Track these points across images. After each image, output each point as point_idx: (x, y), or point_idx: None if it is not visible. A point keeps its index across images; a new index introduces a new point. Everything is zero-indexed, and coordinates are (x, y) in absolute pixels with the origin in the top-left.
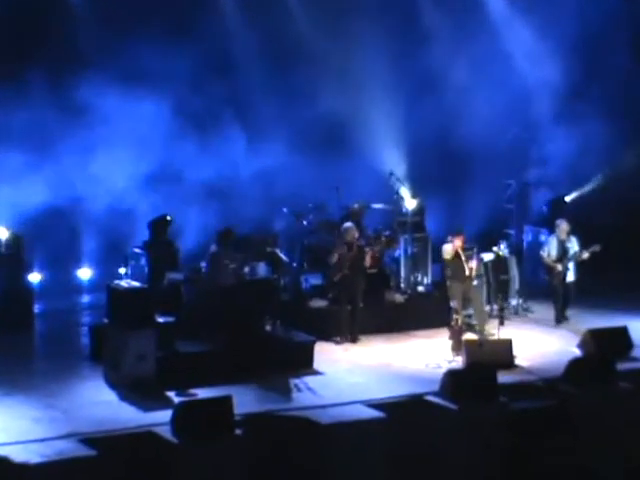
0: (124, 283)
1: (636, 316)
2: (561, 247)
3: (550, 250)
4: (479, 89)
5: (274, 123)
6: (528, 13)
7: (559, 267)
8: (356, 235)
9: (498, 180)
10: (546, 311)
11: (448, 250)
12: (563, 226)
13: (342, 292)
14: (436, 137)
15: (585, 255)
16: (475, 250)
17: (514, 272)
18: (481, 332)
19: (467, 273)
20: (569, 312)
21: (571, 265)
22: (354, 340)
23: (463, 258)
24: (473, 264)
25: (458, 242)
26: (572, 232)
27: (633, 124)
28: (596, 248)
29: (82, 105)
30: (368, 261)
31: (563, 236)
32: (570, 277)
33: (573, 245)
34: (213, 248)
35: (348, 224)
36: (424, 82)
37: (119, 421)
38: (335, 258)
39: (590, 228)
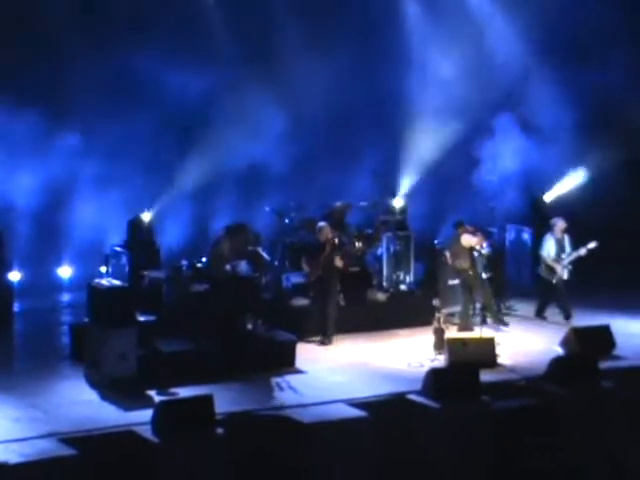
0: (105, 282)
1: (619, 315)
2: (559, 246)
3: (549, 249)
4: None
5: None
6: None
7: (559, 268)
8: (330, 234)
9: (480, 178)
10: (528, 310)
11: (471, 238)
12: (560, 224)
13: (318, 292)
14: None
15: (583, 252)
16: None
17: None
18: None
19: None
20: (548, 311)
21: (567, 263)
22: (324, 341)
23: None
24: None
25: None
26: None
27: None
28: (593, 244)
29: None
30: (338, 262)
31: (559, 235)
32: (565, 275)
33: (567, 243)
34: (220, 235)
35: (322, 223)
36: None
37: (100, 420)
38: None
39: (574, 227)
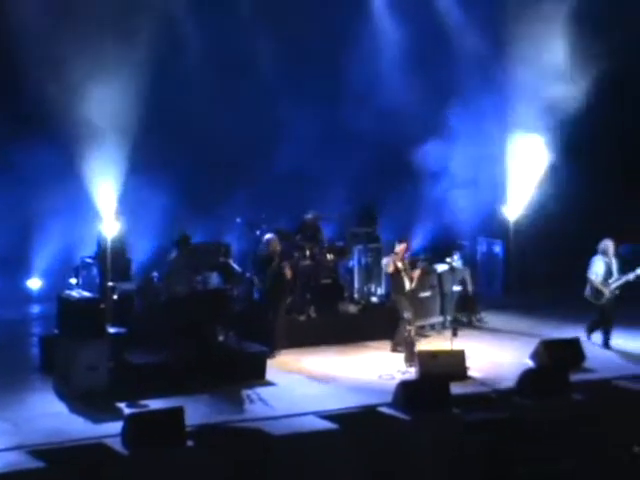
0: (75, 293)
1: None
2: (607, 268)
3: (597, 271)
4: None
5: None
6: None
7: (607, 291)
8: (278, 248)
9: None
10: (499, 322)
11: (387, 264)
12: (610, 246)
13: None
14: (386, 144)
15: (631, 277)
16: (421, 260)
17: (468, 284)
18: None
19: (407, 286)
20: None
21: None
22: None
23: (403, 270)
24: (415, 274)
25: (397, 254)
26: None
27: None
28: None
29: None
30: (289, 274)
31: (610, 257)
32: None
33: (615, 267)
34: (173, 254)
35: (270, 235)
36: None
37: (69, 433)
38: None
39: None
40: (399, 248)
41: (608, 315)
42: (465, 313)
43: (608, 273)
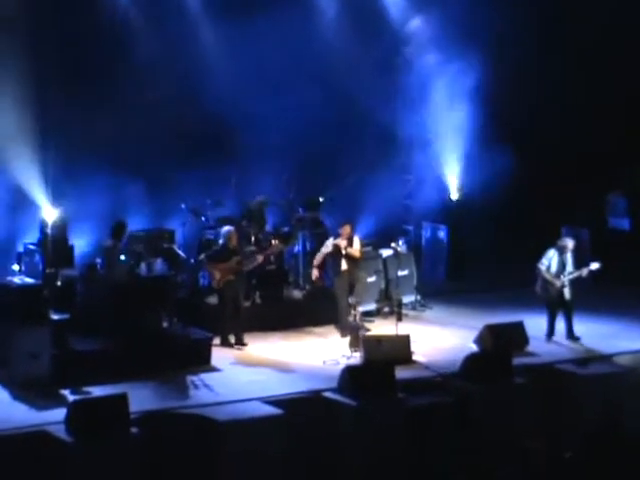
0: (17, 280)
1: (532, 311)
2: (561, 263)
3: (551, 264)
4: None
5: None
6: None
7: (558, 283)
8: (236, 239)
9: (397, 175)
10: (443, 307)
11: (326, 245)
12: (570, 244)
13: (226, 294)
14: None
15: (585, 272)
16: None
17: (412, 268)
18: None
19: (342, 268)
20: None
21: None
22: (240, 342)
23: (344, 252)
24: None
25: (342, 235)
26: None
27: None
28: (596, 265)
29: None
30: (260, 258)
31: (566, 253)
32: (567, 295)
33: (569, 262)
34: (108, 242)
35: (227, 228)
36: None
37: (12, 420)
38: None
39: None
40: (342, 230)
41: (556, 307)
42: (410, 295)
43: (561, 268)
